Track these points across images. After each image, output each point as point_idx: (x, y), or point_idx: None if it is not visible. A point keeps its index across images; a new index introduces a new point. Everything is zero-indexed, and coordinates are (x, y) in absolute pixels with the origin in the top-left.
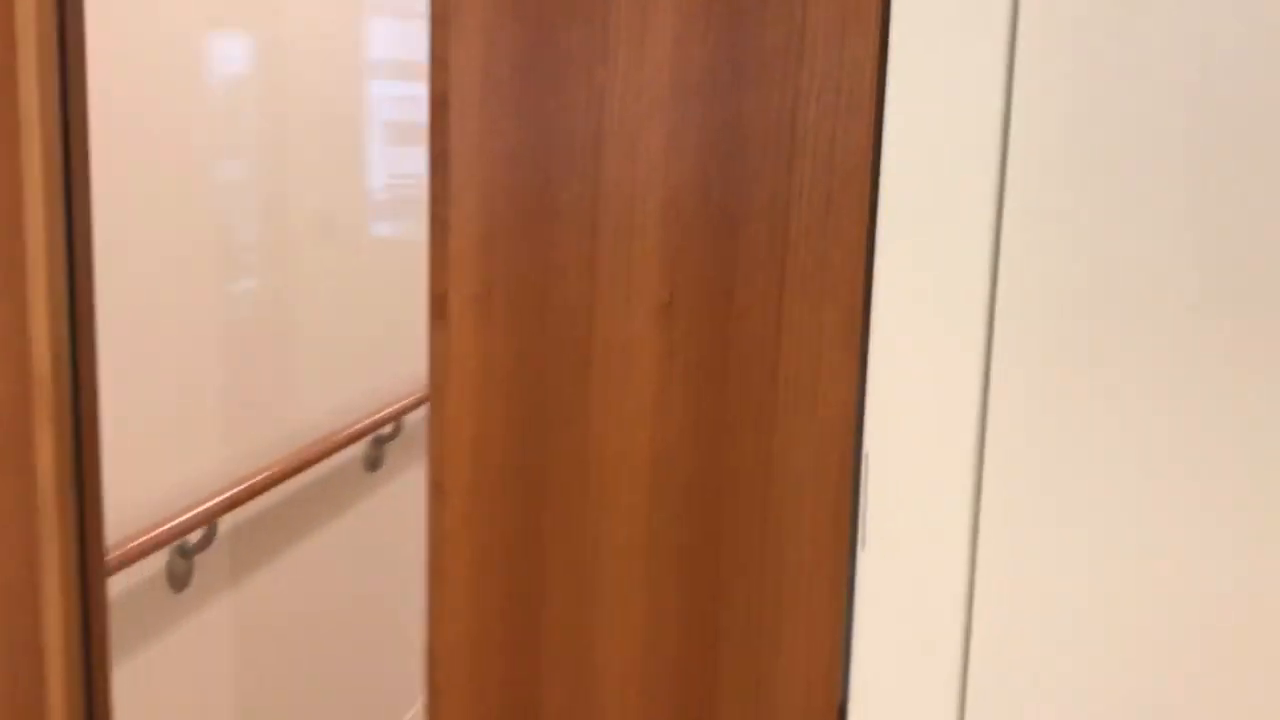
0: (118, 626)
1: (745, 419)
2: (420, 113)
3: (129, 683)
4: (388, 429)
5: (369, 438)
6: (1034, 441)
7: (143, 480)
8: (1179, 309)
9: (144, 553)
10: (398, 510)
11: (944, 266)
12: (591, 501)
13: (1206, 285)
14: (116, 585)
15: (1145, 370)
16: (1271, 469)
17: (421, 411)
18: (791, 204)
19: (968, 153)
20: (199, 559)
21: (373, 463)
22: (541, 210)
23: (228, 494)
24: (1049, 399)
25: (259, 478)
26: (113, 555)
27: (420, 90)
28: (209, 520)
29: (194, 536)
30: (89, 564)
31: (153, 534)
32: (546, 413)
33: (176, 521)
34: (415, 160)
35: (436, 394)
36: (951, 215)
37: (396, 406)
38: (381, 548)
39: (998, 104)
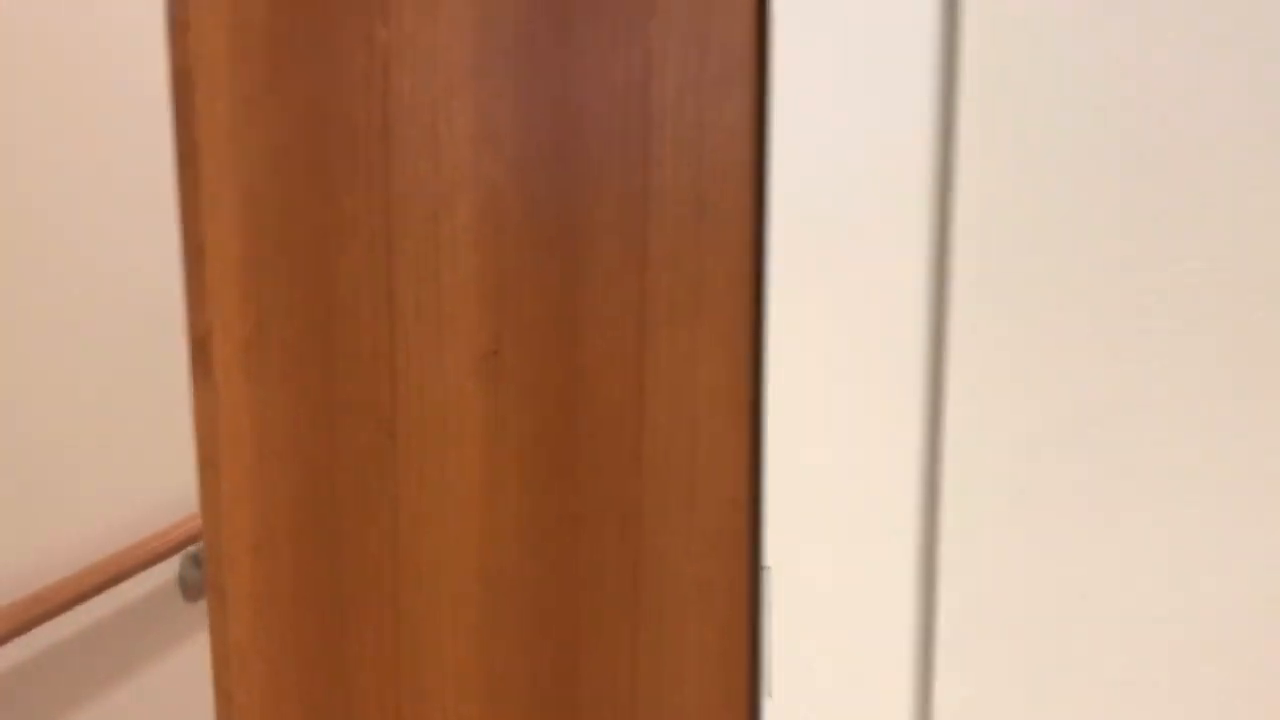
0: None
1: (602, 514)
2: None
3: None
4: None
5: (184, 553)
6: (1001, 545)
7: None
8: (1195, 363)
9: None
10: None
11: (868, 292)
12: (405, 620)
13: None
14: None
15: (1161, 446)
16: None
17: None
18: (650, 211)
19: (895, 132)
20: None
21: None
22: (320, 223)
23: None
24: (1021, 476)
25: None
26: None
27: None
28: None
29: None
30: None
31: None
32: (341, 499)
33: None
34: None
35: (207, 471)
36: (874, 221)
37: None
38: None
39: (931, 59)
